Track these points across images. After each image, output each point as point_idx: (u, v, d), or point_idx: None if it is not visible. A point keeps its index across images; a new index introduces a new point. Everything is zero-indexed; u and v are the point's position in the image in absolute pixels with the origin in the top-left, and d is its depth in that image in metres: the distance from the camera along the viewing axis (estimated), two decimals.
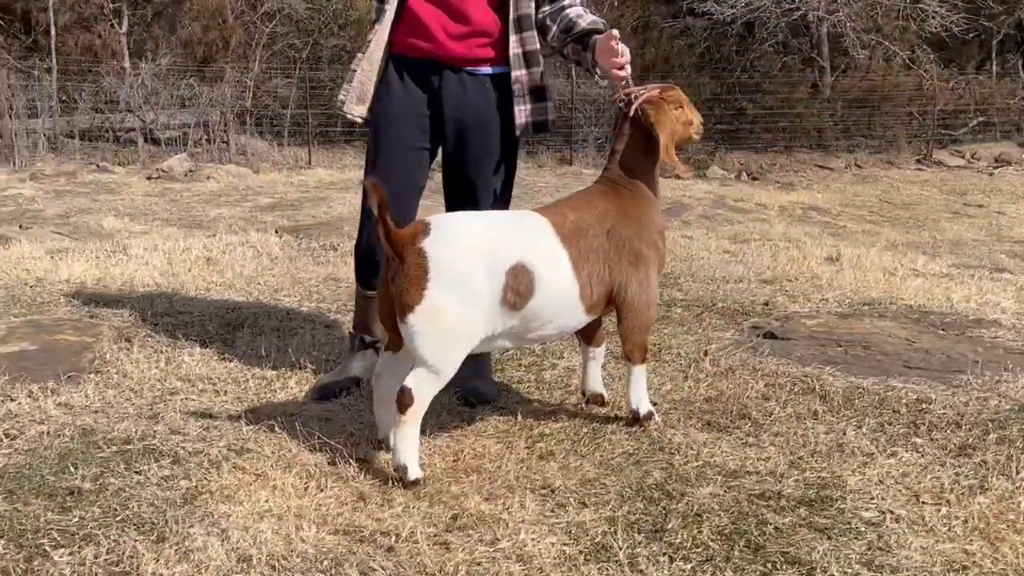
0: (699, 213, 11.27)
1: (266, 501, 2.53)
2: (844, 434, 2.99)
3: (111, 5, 20.00)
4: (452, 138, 3.38)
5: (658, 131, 3.01)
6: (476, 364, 3.46)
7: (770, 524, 2.42)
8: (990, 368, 3.57)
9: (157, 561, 2.19)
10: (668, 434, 3.03)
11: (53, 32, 18.23)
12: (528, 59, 3.33)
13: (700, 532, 2.37)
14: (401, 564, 2.19)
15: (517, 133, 3.38)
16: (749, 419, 3.14)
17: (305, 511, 2.49)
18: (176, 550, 2.24)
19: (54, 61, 17.73)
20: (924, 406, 3.21)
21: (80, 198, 11.94)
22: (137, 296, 4.78)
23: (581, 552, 2.28)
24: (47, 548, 2.27)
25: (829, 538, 2.36)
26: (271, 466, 2.76)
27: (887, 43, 20.28)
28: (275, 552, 2.24)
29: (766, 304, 4.57)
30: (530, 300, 2.81)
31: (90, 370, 3.60)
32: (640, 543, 2.32)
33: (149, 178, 14.27)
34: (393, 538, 2.32)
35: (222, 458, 2.80)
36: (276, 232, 7.26)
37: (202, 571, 2.15)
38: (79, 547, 2.27)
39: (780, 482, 2.67)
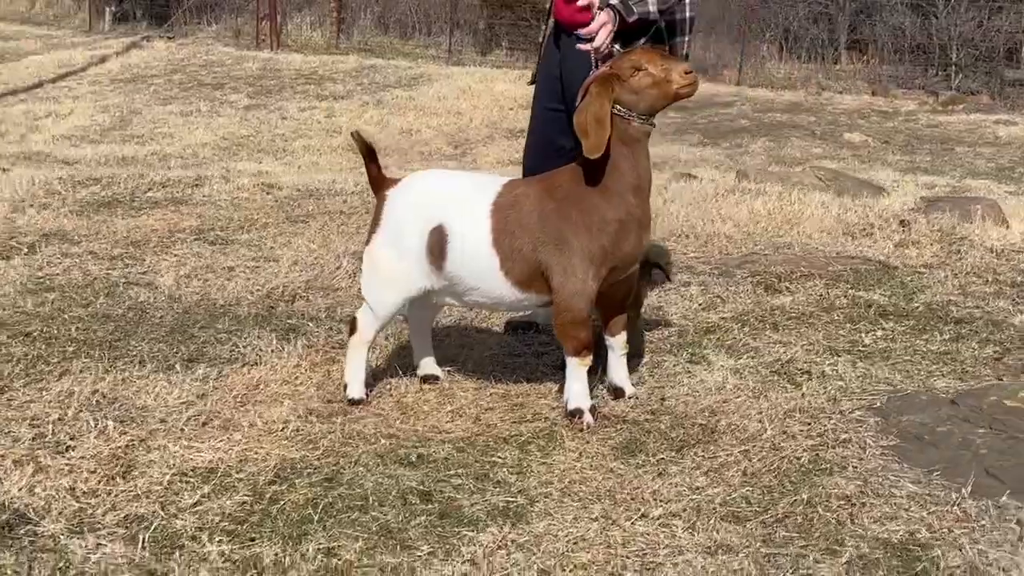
0: None
1: (248, 368, 3.26)
2: (722, 504, 2.45)
3: None
4: (569, 103, 3.32)
5: (576, 110, 2.85)
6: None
7: (367, 519, 2.39)
8: None
9: (62, 383, 3.08)
10: (584, 435, 2.85)
11: None
12: None
13: (295, 497, 2.47)
14: (137, 443, 2.73)
15: None
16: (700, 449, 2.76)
17: (236, 385, 3.13)
18: (96, 375, 3.13)
19: None
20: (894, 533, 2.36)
21: None
22: None
23: (234, 463, 2.63)
24: (57, 340, 3.42)
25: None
26: (307, 357, 3.36)
27: None
28: (123, 397, 3.01)
29: None
30: (444, 261, 2.92)
31: None
32: (264, 484, 2.54)
33: None
34: (172, 424, 2.85)
35: (297, 342, 3.48)
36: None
37: (73, 393, 2.99)
38: (53, 353, 3.35)
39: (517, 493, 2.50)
